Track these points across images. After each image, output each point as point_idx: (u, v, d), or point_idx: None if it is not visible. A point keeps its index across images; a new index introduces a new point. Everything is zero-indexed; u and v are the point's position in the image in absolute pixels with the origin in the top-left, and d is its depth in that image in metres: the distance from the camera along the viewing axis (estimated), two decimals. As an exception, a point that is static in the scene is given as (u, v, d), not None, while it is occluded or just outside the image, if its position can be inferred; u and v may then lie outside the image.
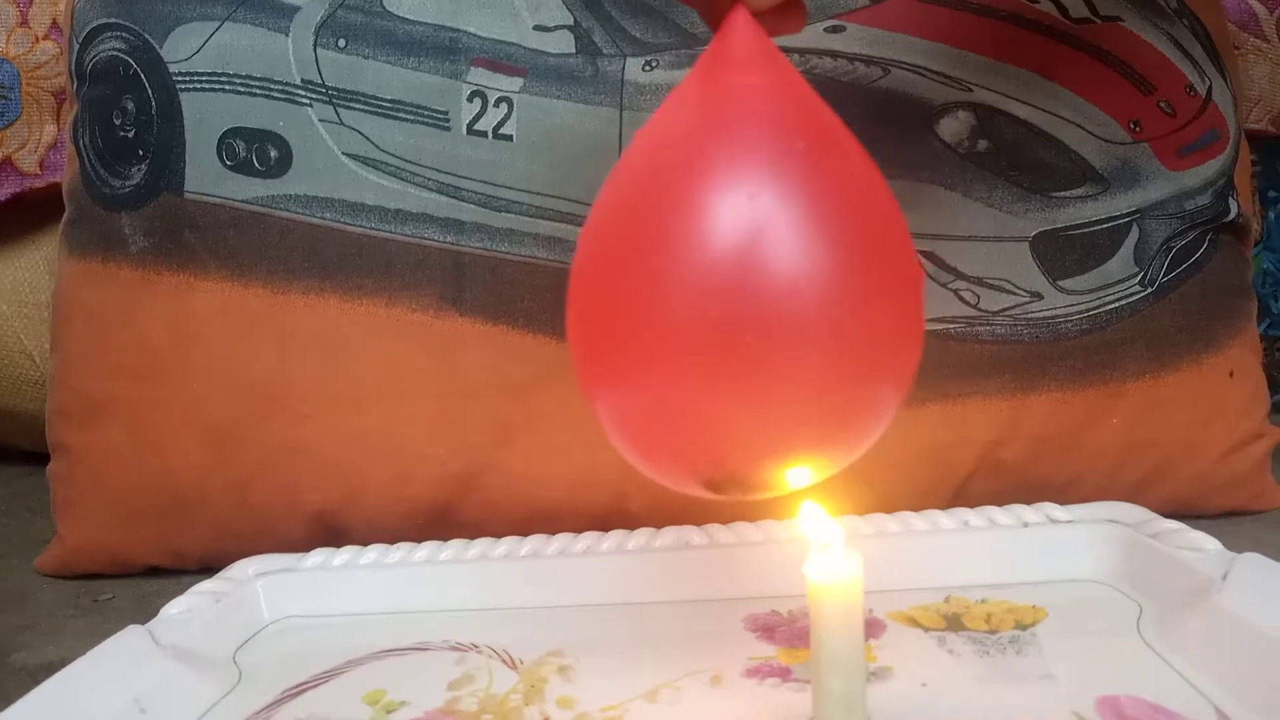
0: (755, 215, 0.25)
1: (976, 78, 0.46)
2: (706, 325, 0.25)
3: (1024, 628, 0.38)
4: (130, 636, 0.37)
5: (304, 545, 0.46)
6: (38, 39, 0.66)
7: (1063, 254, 0.46)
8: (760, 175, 0.26)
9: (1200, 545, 0.39)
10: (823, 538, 0.29)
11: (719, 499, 0.29)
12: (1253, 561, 0.36)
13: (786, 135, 0.26)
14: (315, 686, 0.37)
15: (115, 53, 0.50)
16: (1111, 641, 0.36)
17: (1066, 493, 0.46)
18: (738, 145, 0.26)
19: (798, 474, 0.28)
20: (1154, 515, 0.42)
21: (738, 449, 0.27)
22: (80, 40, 0.51)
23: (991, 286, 0.46)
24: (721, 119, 0.27)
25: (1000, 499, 0.46)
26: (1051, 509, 0.44)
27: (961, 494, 0.47)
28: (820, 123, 0.28)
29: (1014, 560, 0.42)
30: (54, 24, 0.67)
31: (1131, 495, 0.45)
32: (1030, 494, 0.46)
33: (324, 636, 0.42)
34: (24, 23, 0.67)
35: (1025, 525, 0.43)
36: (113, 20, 0.50)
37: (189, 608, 0.40)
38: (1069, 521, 0.43)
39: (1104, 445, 0.47)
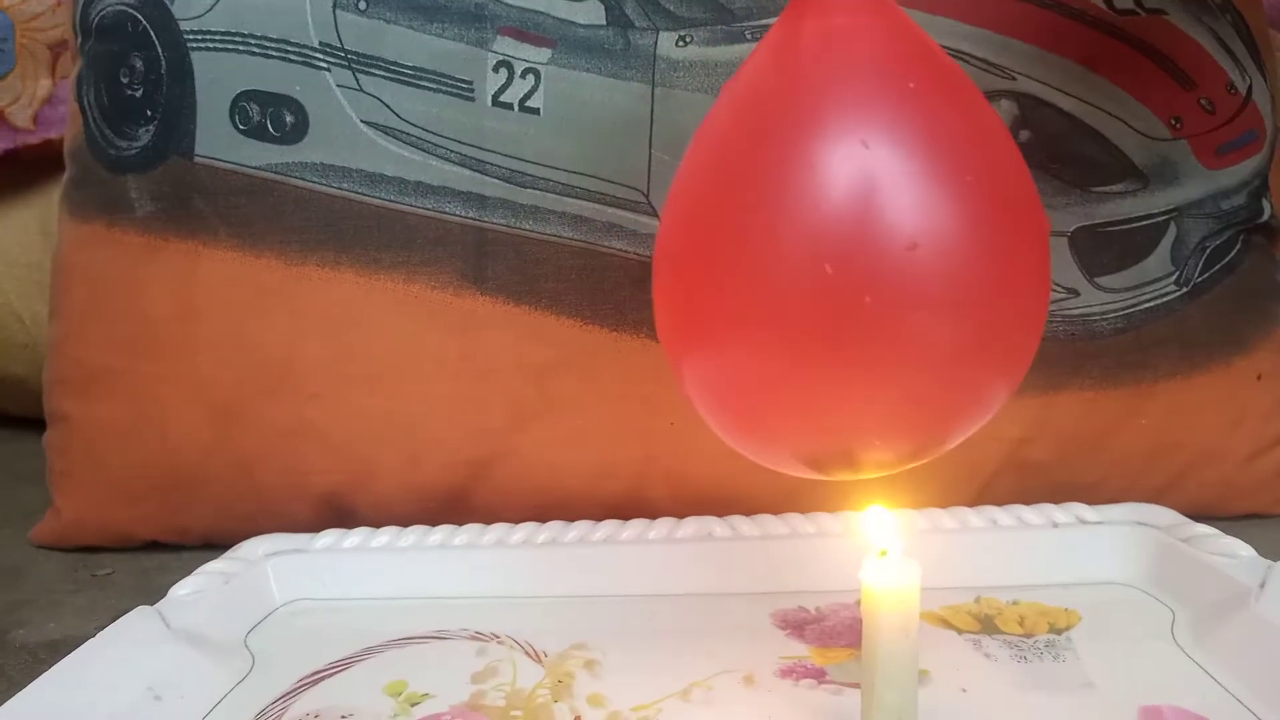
0: (870, 165, 0.23)
1: (1020, 66, 0.45)
2: (819, 285, 0.23)
3: (1058, 632, 0.37)
4: (140, 618, 0.36)
5: (310, 527, 0.45)
6: (33, -12, 0.64)
7: (1101, 250, 0.45)
8: (873, 120, 0.24)
9: (1233, 551, 0.39)
10: (882, 543, 0.28)
11: (820, 477, 0.28)
12: (1291, 571, 0.36)
13: (896, 75, 0.25)
14: (332, 675, 0.36)
15: (123, 7, 0.47)
16: (1147, 648, 0.36)
17: (1092, 493, 0.45)
18: (845, 89, 0.25)
19: (921, 454, 0.27)
20: (1184, 519, 0.42)
21: (850, 422, 0.25)
22: (86, -8, 0.49)
23: (1027, 282, 0.45)
24: (823, 63, 0.25)
25: (1025, 497, 0.45)
26: (1081, 509, 0.43)
27: (986, 491, 0.47)
28: (931, 61, 0.26)
29: (1043, 561, 0.41)
30: (50, -27, 0.64)
31: (1156, 497, 0.45)
32: (1055, 493, 0.45)
33: (337, 620, 0.40)
34: (19, -29, 0.64)
35: (1055, 525, 0.42)
36: (121, -28, 0.48)
37: (198, 589, 0.39)
38: (1098, 523, 0.42)
39: (1131, 446, 0.47)
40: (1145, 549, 0.41)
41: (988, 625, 0.38)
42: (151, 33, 0.47)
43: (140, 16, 0.47)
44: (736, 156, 0.26)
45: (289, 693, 0.35)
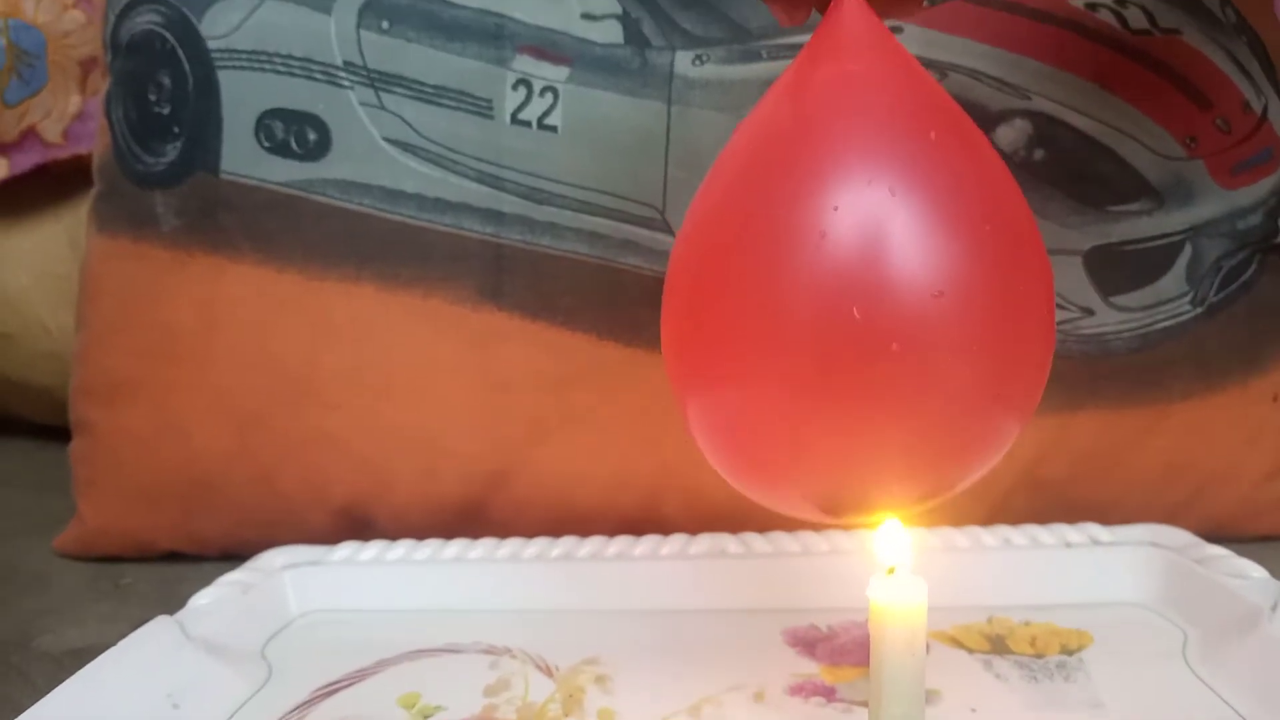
0: (895, 212, 0.24)
1: (1034, 84, 0.45)
2: (845, 329, 0.24)
3: (1070, 653, 0.37)
4: (159, 627, 0.36)
5: (329, 537, 0.46)
6: (66, 6, 0.65)
7: (1116, 270, 0.45)
8: (896, 169, 0.24)
9: (1245, 572, 0.39)
10: (891, 559, 0.28)
11: (832, 522, 0.28)
12: (1306, 593, 0.36)
13: (916, 125, 0.25)
14: (348, 686, 0.37)
15: (152, 26, 0.48)
16: (1159, 670, 0.36)
17: (1106, 513, 0.45)
18: (865, 135, 0.25)
19: (920, 498, 0.27)
20: (1197, 539, 0.42)
21: (867, 465, 0.26)
22: (117, 12, 0.50)
23: (1041, 301, 0.45)
24: (842, 108, 0.26)
25: (1038, 517, 0.45)
26: (1095, 529, 0.43)
27: (1000, 510, 0.47)
28: (946, 110, 0.26)
29: (1057, 581, 0.41)
30: (82, -9, 0.65)
31: (1170, 516, 0.45)
32: (1069, 513, 0.46)
33: (353, 633, 0.41)
34: (51, -11, 0.65)
35: (1068, 545, 0.42)
36: (150, -8, 0.49)
37: (217, 599, 0.40)
38: (1112, 543, 0.42)
39: (1146, 466, 0.47)
40: (1158, 570, 0.41)
41: (999, 645, 0.38)
42: (179, 51, 0.48)
43: (168, 35, 0.48)
44: (751, 196, 0.26)
45: (305, 703, 0.35)
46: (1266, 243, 0.48)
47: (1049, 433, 0.46)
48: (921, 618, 0.28)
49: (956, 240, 0.24)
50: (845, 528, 0.29)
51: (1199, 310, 0.46)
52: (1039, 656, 0.37)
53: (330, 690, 0.36)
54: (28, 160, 0.65)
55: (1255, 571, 0.38)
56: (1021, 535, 0.43)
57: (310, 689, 0.36)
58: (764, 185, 0.26)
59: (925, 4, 0.30)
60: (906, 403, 0.24)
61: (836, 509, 0.27)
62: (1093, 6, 0.46)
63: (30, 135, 0.65)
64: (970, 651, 0.38)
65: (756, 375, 0.26)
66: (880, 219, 0.24)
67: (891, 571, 0.28)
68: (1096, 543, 0.42)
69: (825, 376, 0.24)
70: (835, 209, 0.24)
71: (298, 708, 0.35)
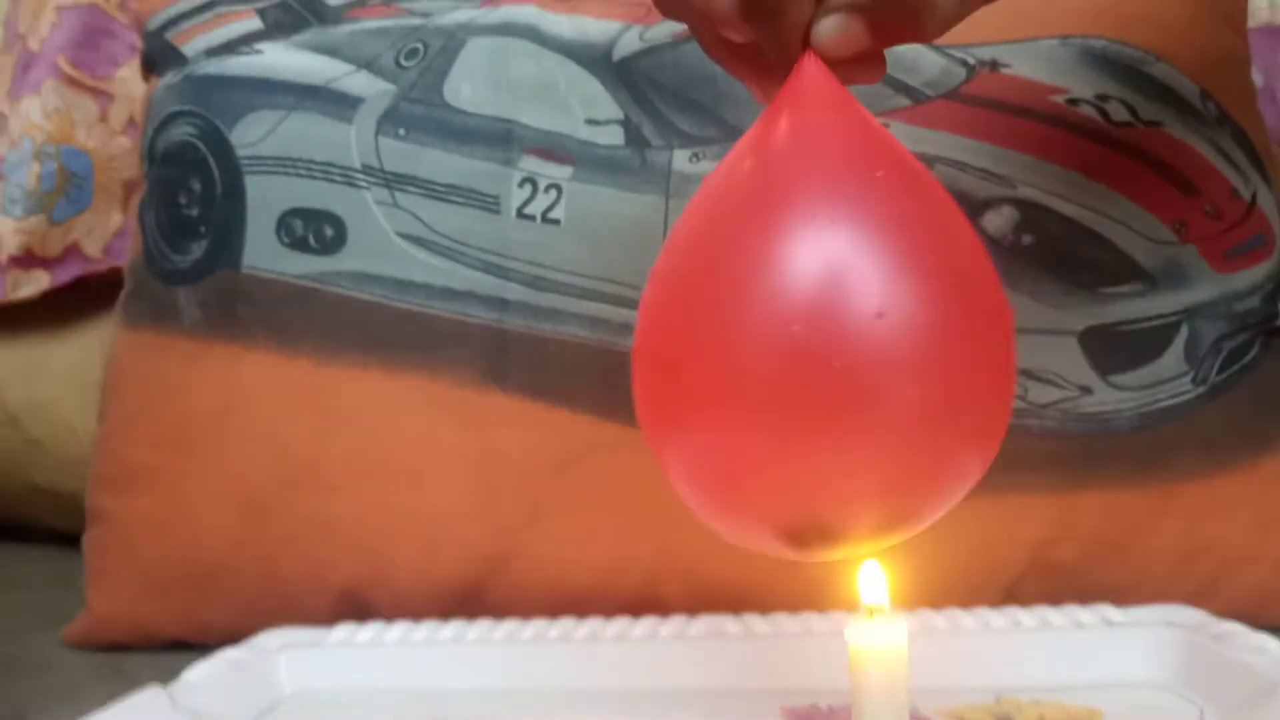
0: (837, 242, 0.25)
1: (1019, 174, 0.46)
2: (787, 350, 0.24)
3: (1079, 728, 0.36)
4: (149, 696, 0.36)
5: (330, 623, 0.45)
6: (115, 133, 0.70)
7: (1112, 350, 0.46)
8: (840, 202, 0.25)
9: (1263, 647, 0.37)
10: (871, 600, 0.28)
11: (799, 558, 0.28)
12: (1322, 664, 0.34)
13: (865, 165, 0.26)
14: (332, 757, 0.36)
15: (186, 136, 0.52)
16: (1173, 745, 0.34)
17: (1123, 598, 0.44)
18: (813, 176, 0.26)
19: (894, 530, 0.27)
20: (1212, 618, 0.40)
21: (822, 490, 0.26)
22: (155, 126, 0.53)
23: (1039, 379, 0.45)
24: (795, 154, 0.27)
25: (1054, 602, 0.44)
26: (1107, 610, 0.42)
27: (1013, 595, 0.46)
28: (898, 157, 0.27)
29: (1067, 661, 0.40)
30: (131, 120, 0.70)
31: (1190, 602, 0.43)
32: (1085, 599, 0.44)
33: (343, 711, 0.40)
34: (104, 118, 0.70)
35: (1080, 626, 0.41)
36: (187, 108, 0.53)
37: (210, 674, 0.40)
38: (1125, 624, 0.41)
39: (1160, 548, 0.45)
40: (1173, 648, 0.39)
41: (1005, 721, 0.37)
42: (210, 158, 0.51)
43: (201, 145, 0.52)
44: (705, 241, 0.28)
45: (286, 771, 0.35)
46: (1266, 326, 0.48)
47: (1055, 513, 0.45)
48: (902, 659, 0.27)
49: (898, 266, 0.25)
50: (818, 562, 0.29)
51: (1201, 390, 0.46)
52: (1046, 731, 0.36)
53: (314, 760, 0.36)
54: (68, 273, 0.68)
55: (1272, 645, 0.37)
56: (1031, 616, 0.42)
57: (294, 760, 0.36)
58: (716, 231, 0.27)
59: (882, 78, 0.31)
60: (853, 424, 0.25)
61: (799, 539, 0.27)
62: (1074, 102, 0.48)
63: (73, 250, 0.69)
64: (974, 727, 0.36)
65: (713, 412, 0.26)
66: (824, 248, 0.25)
67: (872, 613, 0.28)
68: (1109, 623, 0.41)
69: (772, 402, 0.25)
70: (778, 244, 0.25)
71: (278, 775, 0.34)
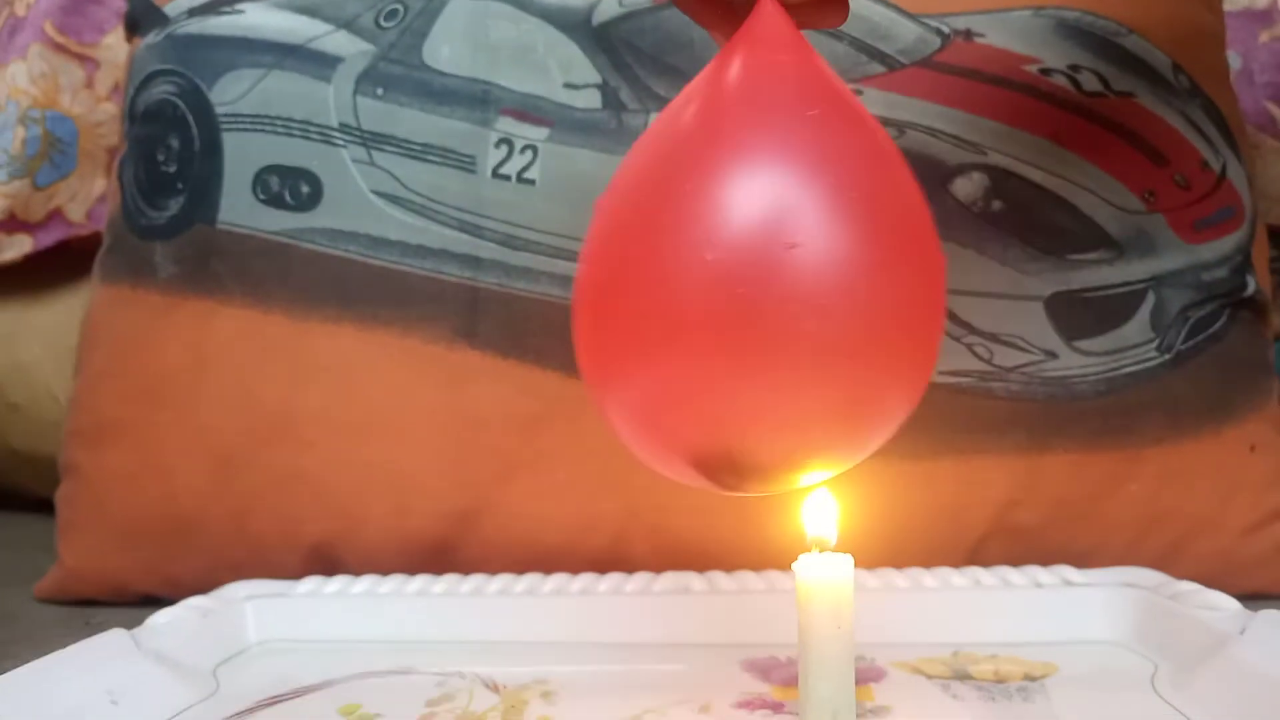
0: (757, 176, 0.25)
1: (990, 141, 0.47)
2: (699, 275, 0.25)
3: (1033, 679, 0.36)
4: (112, 636, 0.37)
5: (300, 577, 0.46)
6: (100, 99, 0.70)
7: (1078, 315, 0.46)
8: (767, 138, 0.26)
9: (1218, 604, 0.38)
10: (818, 534, 0.28)
11: (719, 489, 0.28)
12: (1272, 617, 0.35)
13: (799, 103, 0.26)
14: (291, 699, 0.36)
15: (166, 95, 0.52)
16: (1124, 695, 0.35)
17: (1085, 562, 0.44)
18: (746, 111, 0.26)
19: (810, 463, 0.27)
20: (1170, 579, 0.41)
21: (729, 417, 0.26)
22: (136, 85, 0.54)
23: (1005, 343, 0.46)
24: (733, 90, 0.27)
25: (1017, 564, 0.44)
26: (1067, 571, 0.42)
27: (976, 556, 0.46)
28: (838, 98, 0.28)
29: (1026, 619, 0.40)
30: (116, 86, 0.70)
31: (1152, 568, 0.43)
32: (1047, 561, 0.45)
33: (307, 659, 0.40)
34: (89, 85, 0.71)
35: (1039, 586, 0.42)
36: (168, 67, 0.53)
37: (175, 619, 0.40)
38: (1084, 584, 0.41)
39: (1122, 513, 0.46)
40: (1129, 607, 0.40)
41: (960, 673, 0.37)
42: (189, 116, 0.51)
43: (180, 102, 0.52)
44: (639, 178, 0.28)
45: (247, 710, 0.35)
46: (1234, 297, 0.48)
47: (1019, 475, 0.45)
48: (848, 594, 0.28)
49: (816, 201, 0.25)
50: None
51: (1166, 357, 0.47)
52: (1000, 682, 0.36)
53: (273, 701, 0.36)
54: (50, 237, 0.69)
55: (1227, 603, 0.37)
56: (992, 576, 0.42)
57: (253, 701, 0.36)
58: (646, 170, 0.28)
59: (842, 20, 0.31)
60: (762, 351, 0.25)
61: (710, 469, 0.27)
62: (1046, 72, 0.48)
63: (56, 215, 0.69)
64: (929, 677, 0.37)
65: (639, 343, 0.26)
66: (745, 182, 0.25)
67: (821, 547, 0.28)
68: (1069, 584, 0.42)
69: (689, 328, 0.25)
70: (702, 178, 0.25)
71: (240, 713, 0.35)
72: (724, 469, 0.27)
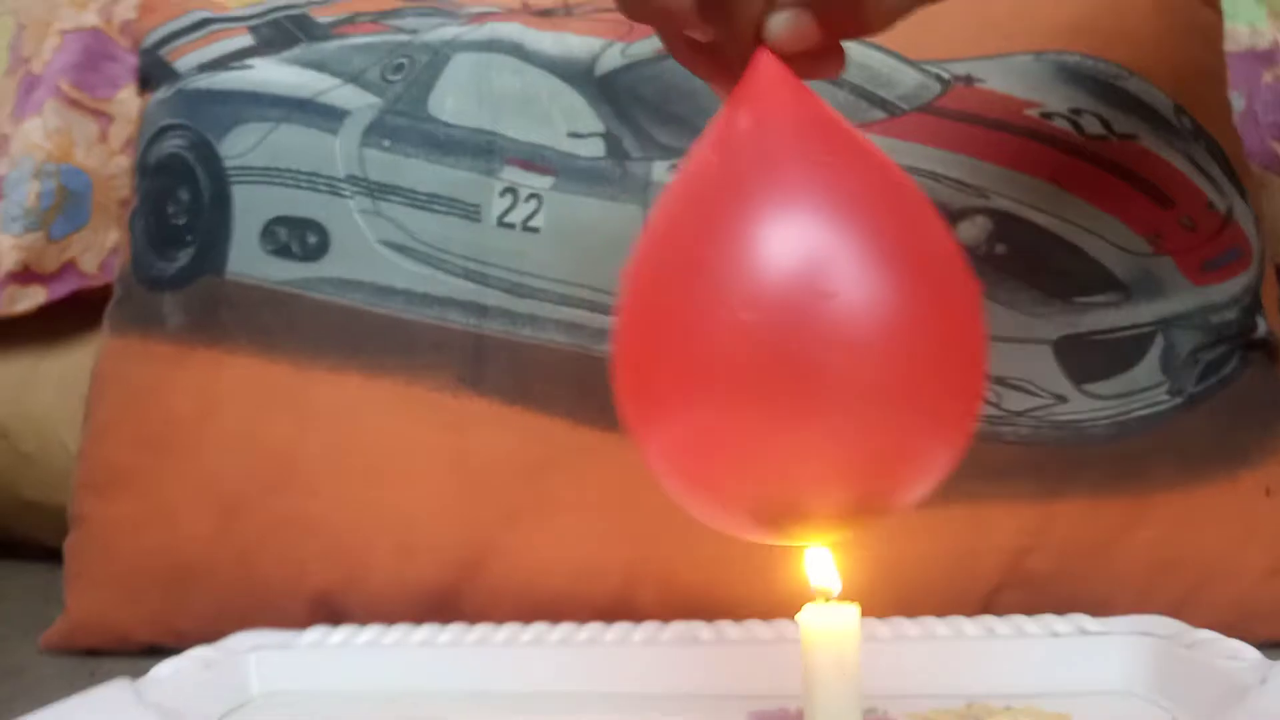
0: (788, 227, 0.25)
1: (993, 185, 0.47)
2: (741, 337, 0.25)
3: (1048, 730, 0.35)
4: (114, 689, 0.36)
5: (304, 627, 0.45)
6: (113, 153, 0.71)
7: (1087, 358, 0.46)
8: (788, 189, 0.26)
9: (1238, 653, 0.37)
10: (822, 585, 0.28)
11: (773, 540, 0.28)
12: (1294, 665, 0.34)
13: (812, 151, 0.27)
14: (293, 752, 0.36)
15: (176, 149, 0.53)
16: (1142, 747, 0.34)
17: (1098, 610, 0.44)
18: (762, 164, 0.27)
19: (864, 508, 0.27)
20: (1187, 627, 0.40)
21: (787, 469, 0.26)
22: (147, 139, 0.54)
23: (1013, 387, 0.46)
24: (744, 144, 0.28)
25: (1030, 614, 0.43)
26: (1083, 620, 0.42)
27: (990, 606, 0.45)
28: (850, 142, 0.28)
29: (1040, 669, 0.40)
30: (129, 140, 0.71)
31: (1169, 616, 0.43)
32: (1061, 610, 0.44)
33: (312, 711, 0.40)
34: (103, 139, 0.72)
35: (1054, 635, 0.41)
36: (178, 121, 0.54)
37: (178, 670, 0.40)
38: (1100, 633, 0.41)
39: (1136, 559, 0.45)
40: (1146, 656, 0.39)
41: (973, 724, 0.36)
42: (198, 169, 0.52)
43: (190, 156, 0.53)
44: (667, 237, 0.29)
45: (247, 764, 0.35)
46: (1245, 339, 0.48)
47: (1030, 522, 0.45)
48: (853, 643, 0.27)
49: (847, 248, 0.25)
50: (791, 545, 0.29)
51: (1178, 400, 0.46)
52: (1014, 733, 0.35)
53: (275, 753, 0.35)
54: (64, 288, 0.69)
55: (1248, 653, 0.37)
56: (1006, 625, 0.42)
57: (255, 754, 0.35)
58: (679, 221, 0.28)
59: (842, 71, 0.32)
60: (809, 403, 0.25)
61: (772, 520, 0.27)
62: (1048, 116, 0.48)
63: (69, 267, 0.70)
64: (941, 728, 0.36)
65: (682, 395, 0.27)
66: (771, 235, 0.26)
67: (825, 598, 0.28)
68: (1084, 632, 0.41)
69: (732, 385, 0.25)
70: (732, 232, 0.26)
71: (238, 768, 0.34)
72: (782, 518, 0.27)
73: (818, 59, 0.30)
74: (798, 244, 0.26)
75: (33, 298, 0.70)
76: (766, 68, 0.30)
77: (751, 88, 0.30)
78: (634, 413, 0.29)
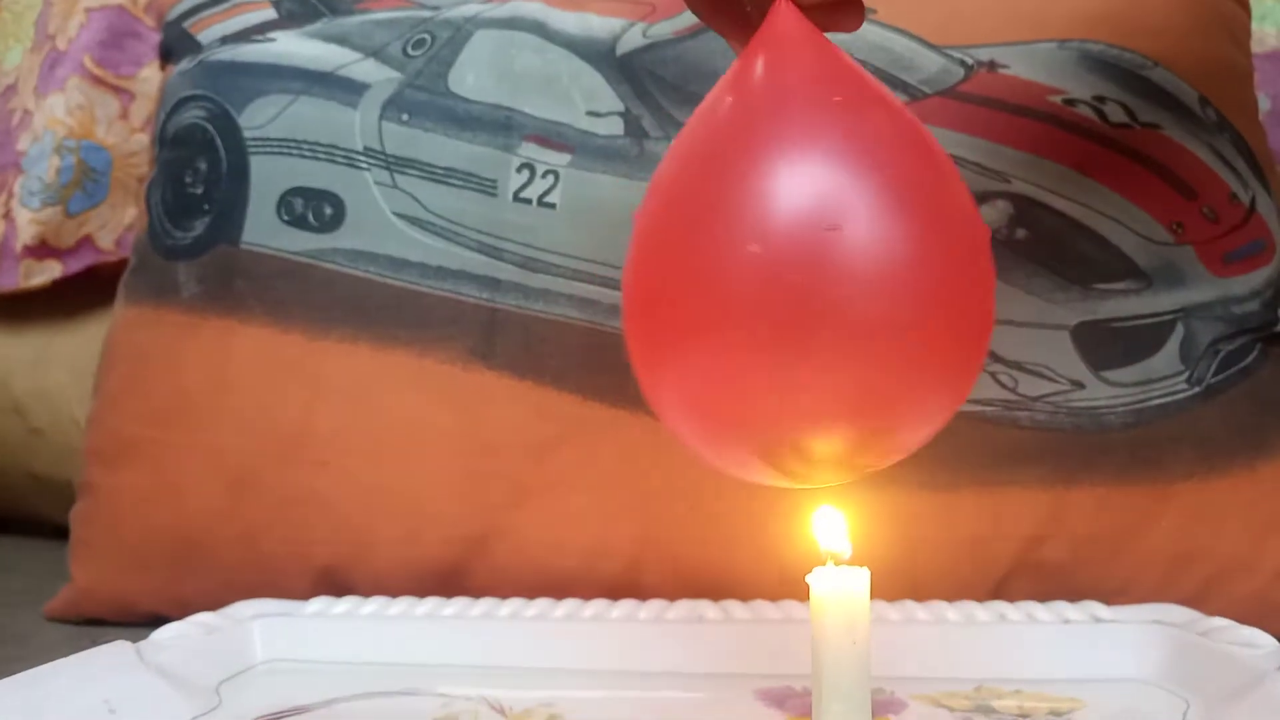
0: (791, 164, 0.25)
1: (1014, 170, 0.46)
2: (747, 268, 0.25)
3: (1059, 716, 0.35)
4: (115, 648, 0.36)
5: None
6: (134, 130, 0.71)
7: (1105, 345, 0.45)
8: (797, 127, 0.26)
9: (1253, 641, 0.36)
10: (832, 547, 0.27)
11: (784, 481, 0.27)
12: (1313, 653, 0.33)
13: (823, 91, 0.27)
14: (292, 716, 0.35)
15: (196, 119, 0.53)
16: (1155, 732, 0.33)
17: (1114, 601, 0.43)
18: (772, 102, 0.27)
19: (875, 445, 0.26)
20: (1202, 616, 0.39)
21: (791, 406, 0.26)
22: (167, 111, 0.55)
23: (1030, 372, 0.45)
24: (758, 85, 0.28)
25: (1043, 602, 0.43)
26: (1095, 607, 0.41)
27: (1001, 593, 0.45)
28: (862, 84, 0.28)
29: (1051, 655, 0.39)
30: (150, 118, 0.72)
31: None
32: (1075, 600, 0.43)
33: (313, 680, 0.40)
34: (124, 116, 0.72)
35: (1066, 622, 0.40)
36: (199, 92, 0.54)
37: (180, 634, 0.39)
38: (1113, 621, 0.40)
39: (1152, 551, 0.44)
40: (1160, 644, 0.38)
41: (983, 708, 0.36)
42: (218, 139, 0.52)
43: (210, 127, 0.53)
44: (678, 178, 0.28)
45: (245, 725, 0.34)
46: (1266, 331, 0.47)
47: (1044, 509, 0.44)
48: (863, 607, 0.27)
49: (852, 183, 0.25)
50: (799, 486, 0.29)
51: (1196, 390, 0.45)
52: (1024, 717, 0.35)
53: (274, 717, 0.35)
54: (79, 263, 0.70)
55: (1263, 639, 0.36)
56: (1017, 611, 0.41)
57: (255, 718, 0.35)
58: (688, 163, 0.28)
59: (863, 20, 0.32)
60: (816, 338, 0.25)
61: (776, 459, 0.26)
62: (1071, 103, 0.48)
63: (86, 242, 0.70)
64: (951, 711, 0.35)
65: (690, 335, 0.26)
66: (779, 171, 0.25)
67: (834, 560, 0.27)
68: (1097, 620, 0.40)
69: (738, 319, 0.25)
70: (741, 170, 0.25)
71: (237, 728, 0.34)
72: (790, 457, 0.26)
73: (835, 10, 0.30)
74: (805, 178, 0.26)
75: (48, 272, 0.70)
76: (784, 17, 0.29)
77: (768, 35, 0.29)
78: (642, 351, 0.29)
